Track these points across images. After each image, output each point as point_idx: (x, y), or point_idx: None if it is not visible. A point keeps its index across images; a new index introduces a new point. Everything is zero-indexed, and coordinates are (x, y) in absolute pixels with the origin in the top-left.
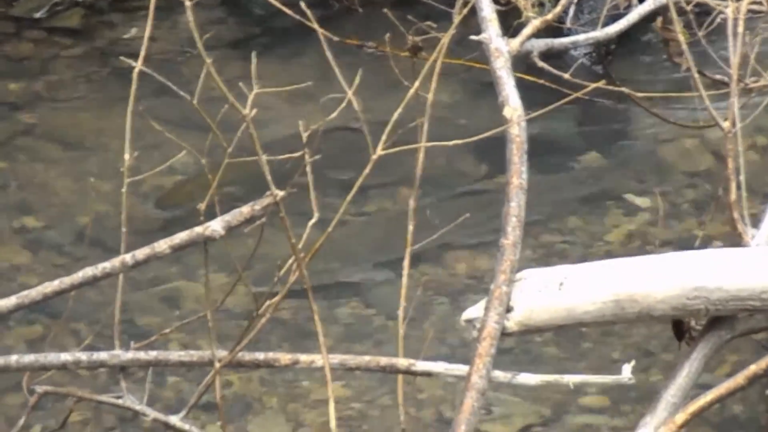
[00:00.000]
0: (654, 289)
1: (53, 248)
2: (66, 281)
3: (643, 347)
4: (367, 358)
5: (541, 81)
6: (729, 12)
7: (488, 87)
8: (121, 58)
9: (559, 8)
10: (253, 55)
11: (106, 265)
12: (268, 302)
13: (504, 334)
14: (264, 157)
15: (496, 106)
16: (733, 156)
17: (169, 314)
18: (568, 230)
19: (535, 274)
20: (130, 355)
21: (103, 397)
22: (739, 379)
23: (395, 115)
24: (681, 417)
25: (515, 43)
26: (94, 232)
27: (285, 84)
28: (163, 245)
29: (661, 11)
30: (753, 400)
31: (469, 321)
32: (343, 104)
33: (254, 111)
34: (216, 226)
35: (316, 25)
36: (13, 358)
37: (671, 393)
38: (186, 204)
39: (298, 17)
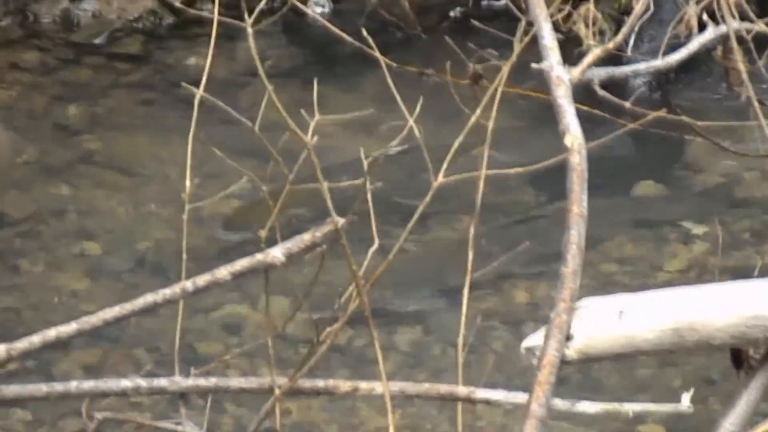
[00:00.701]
0: (713, 318)
1: (113, 274)
2: (126, 307)
3: (702, 376)
4: (426, 385)
5: (602, 113)
6: None
7: (549, 115)
8: (183, 84)
9: (620, 37)
10: (315, 81)
11: (167, 292)
12: (328, 329)
13: (564, 362)
14: (325, 184)
15: (556, 134)
16: None
17: (229, 341)
18: (627, 259)
19: (594, 303)
20: (189, 381)
21: (163, 424)
22: None
23: (456, 143)
24: None
25: (576, 71)
26: (155, 258)
27: (345, 111)
28: (223, 272)
29: (721, 40)
30: None
31: (529, 349)
32: (405, 132)
33: (315, 138)
34: (277, 253)
35: (376, 52)
36: (73, 384)
37: (730, 421)
38: (251, 228)
39: (358, 44)
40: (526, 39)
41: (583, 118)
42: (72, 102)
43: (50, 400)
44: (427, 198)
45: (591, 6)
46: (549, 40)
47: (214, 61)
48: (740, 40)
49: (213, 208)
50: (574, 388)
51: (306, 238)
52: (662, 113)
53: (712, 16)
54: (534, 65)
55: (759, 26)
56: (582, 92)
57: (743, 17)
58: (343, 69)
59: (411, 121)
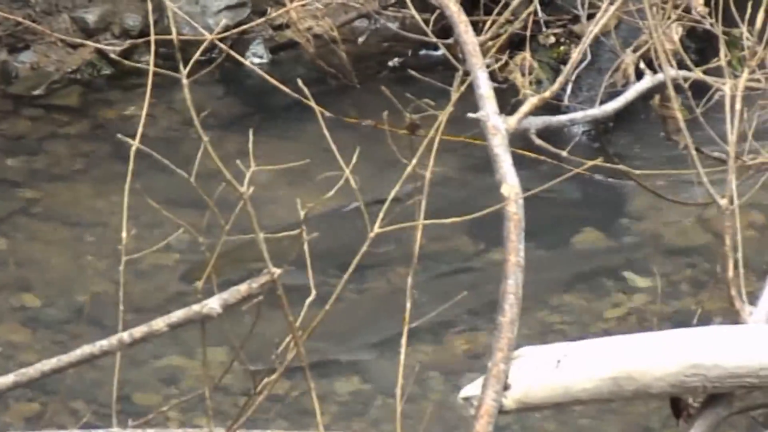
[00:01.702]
0: (652, 367)
1: (51, 326)
2: (64, 359)
3: (641, 424)
4: None
5: (541, 157)
6: (726, 89)
7: (486, 164)
8: (119, 136)
9: (556, 86)
10: (250, 132)
11: (104, 343)
12: (265, 380)
13: (501, 411)
14: (261, 235)
15: (493, 182)
16: (731, 233)
17: (167, 392)
18: (565, 308)
19: (532, 352)
20: None
21: None
22: None
23: (392, 193)
24: None
25: (513, 120)
26: (92, 309)
27: (283, 161)
28: (160, 323)
29: (658, 89)
30: None
31: (467, 399)
32: (341, 182)
33: (251, 189)
34: (213, 304)
35: (313, 103)
36: None
37: None
38: (191, 279)
39: (295, 95)
40: (462, 88)
41: (522, 167)
42: (10, 154)
43: None
44: (364, 247)
45: (527, 55)
46: (485, 89)
47: (152, 111)
48: (678, 88)
49: (151, 259)
50: None
51: (242, 288)
52: (600, 161)
53: (650, 65)
54: (470, 114)
55: (696, 74)
56: (521, 140)
57: (681, 65)
58: (281, 119)
59: (347, 171)
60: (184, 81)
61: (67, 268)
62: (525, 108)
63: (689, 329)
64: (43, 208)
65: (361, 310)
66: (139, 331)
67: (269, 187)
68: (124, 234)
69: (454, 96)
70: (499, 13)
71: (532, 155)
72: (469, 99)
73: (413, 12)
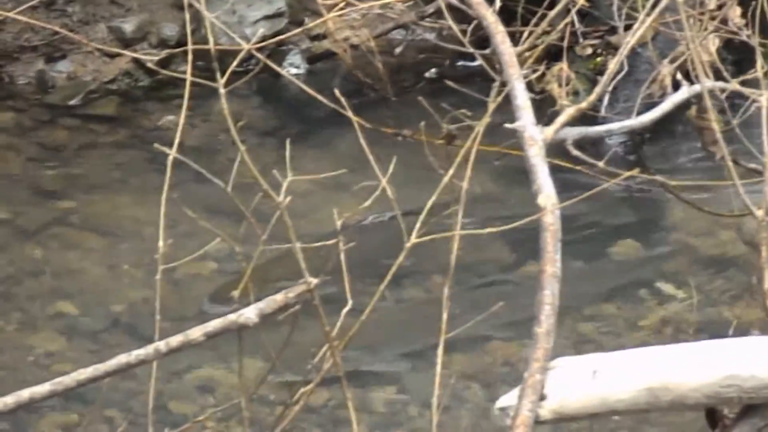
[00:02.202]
0: (687, 378)
1: (87, 335)
2: (100, 368)
3: None
4: None
5: (577, 167)
6: (763, 100)
7: (522, 174)
8: (156, 145)
9: (593, 96)
10: (288, 142)
11: (140, 353)
12: (302, 390)
13: (538, 422)
14: (298, 245)
15: (530, 193)
16: (767, 244)
17: (203, 402)
18: (601, 318)
19: (568, 363)
20: None
21: None
22: None
23: (429, 203)
24: None
25: (549, 131)
26: (129, 319)
27: (319, 172)
28: (197, 333)
29: (695, 100)
30: None
31: (503, 409)
32: (377, 192)
33: (288, 199)
34: (250, 314)
35: (350, 113)
36: None
37: None
38: (227, 291)
39: (332, 105)
40: (499, 98)
41: (559, 178)
42: (47, 163)
43: None
44: (401, 258)
45: (565, 66)
46: (522, 99)
47: (189, 121)
48: (714, 99)
49: (187, 269)
50: None
51: (279, 298)
52: (636, 173)
53: (687, 76)
54: (507, 125)
55: (733, 85)
56: (557, 151)
57: (717, 77)
58: (318, 130)
59: (384, 182)
60: (222, 91)
61: (103, 277)
62: (562, 118)
63: (725, 340)
64: (80, 218)
65: (397, 320)
66: (175, 340)
67: (306, 197)
68: (161, 243)
69: (491, 106)
70: (537, 24)
71: (569, 165)
72: (506, 110)
73: (450, 23)
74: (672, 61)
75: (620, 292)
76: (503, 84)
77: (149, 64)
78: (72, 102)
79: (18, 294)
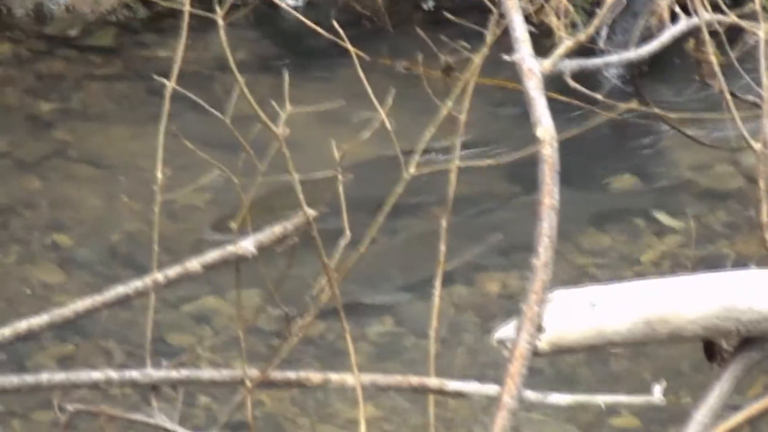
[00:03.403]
0: (685, 310)
1: (85, 266)
2: (98, 299)
3: (674, 368)
4: (398, 377)
5: (575, 102)
6: (761, 33)
7: (521, 107)
8: (154, 76)
9: (591, 29)
10: (285, 74)
11: (138, 284)
12: (299, 322)
13: (535, 354)
14: (296, 177)
15: (528, 126)
16: (765, 177)
17: (201, 333)
18: (599, 251)
19: (566, 295)
20: (161, 373)
21: (135, 416)
22: None
23: (427, 135)
24: None
25: (548, 63)
26: (126, 250)
27: (318, 103)
28: (194, 264)
29: (693, 32)
30: None
31: (501, 341)
32: (376, 124)
33: (287, 130)
34: (248, 245)
35: (348, 45)
36: (45, 376)
37: (702, 414)
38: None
39: (330, 37)
40: (498, 31)
41: (556, 111)
42: (45, 94)
43: (22, 392)
44: (399, 190)
45: None
46: (520, 32)
47: (187, 53)
48: (713, 32)
49: (185, 200)
50: (546, 380)
51: (277, 230)
52: (635, 105)
53: (684, 8)
54: (505, 57)
55: (731, 18)
56: (555, 84)
57: (716, 9)
58: (316, 61)
59: (383, 114)
60: (220, 22)
61: (100, 208)
62: (560, 50)
63: (723, 273)
64: (77, 149)
65: (395, 252)
66: (173, 271)
67: (304, 129)
68: (158, 174)
69: (489, 38)
70: None
71: (567, 100)
72: (504, 42)
73: None
74: None
75: (618, 224)
76: (501, 16)
77: None
78: (70, 33)
79: (15, 226)
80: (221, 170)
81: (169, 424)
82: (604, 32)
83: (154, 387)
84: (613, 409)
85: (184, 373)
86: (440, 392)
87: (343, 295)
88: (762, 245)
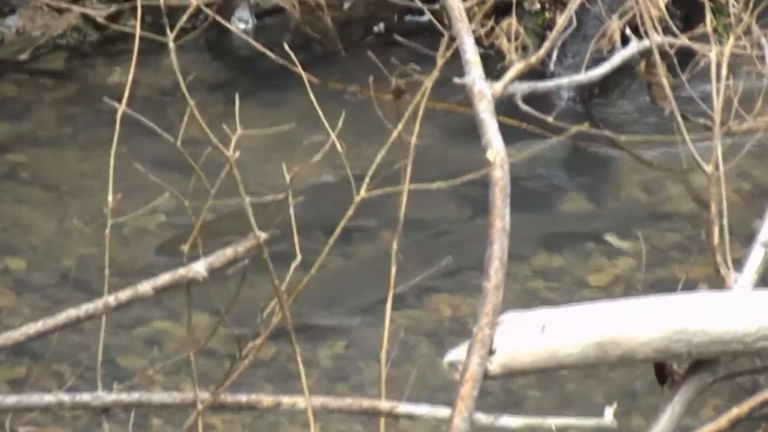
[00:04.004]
0: (637, 332)
1: (37, 290)
2: (49, 322)
3: (626, 390)
4: (349, 400)
5: (525, 124)
6: (712, 55)
7: (472, 130)
8: (105, 99)
9: (542, 51)
10: (237, 97)
11: (89, 307)
12: (250, 344)
13: (486, 376)
14: (247, 199)
15: (479, 148)
16: (717, 199)
17: (152, 355)
18: (551, 273)
19: (517, 317)
20: (112, 396)
21: None
22: (722, 422)
23: (378, 158)
24: None
25: (498, 86)
26: (78, 273)
27: (269, 127)
28: (146, 287)
29: (644, 55)
30: None
31: (452, 363)
32: (327, 147)
33: (238, 153)
34: (199, 268)
35: (299, 68)
36: None
37: None
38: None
39: (281, 61)
40: (448, 53)
41: (508, 133)
42: None
43: None
44: (349, 212)
45: (514, 21)
46: (471, 54)
47: (138, 76)
48: (664, 54)
49: (137, 223)
50: (496, 403)
51: (228, 252)
52: (585, 127)
53: (636, 31)
54: (456, 80)
55: (682, 40)
56: (506, 107)
57: (666, 32)
58: (267, 85)
59: (334, 136)
60: (171, 45)
61: (52, 232)
62: (511, 73)
63: (674, 295)
64: (29, 173)
65: (346, 275)
66: (124, 294)
67: (255, 152)
68: (110, 197)
69: (440, 61)
70: None
71: (518, 123)
72: (455, 65)
73: None
74: (621, 16)
75: (569, 247)
76: (452, 39)
77: (98, 19)
78: (21, 57)
79: None
80: (172, 193)
81: None
82: (554, 55)
83: (106, 410)
84: None
85: (135, 395)
86: (391, 414)
87: (294, 317)
88: (713, 267)
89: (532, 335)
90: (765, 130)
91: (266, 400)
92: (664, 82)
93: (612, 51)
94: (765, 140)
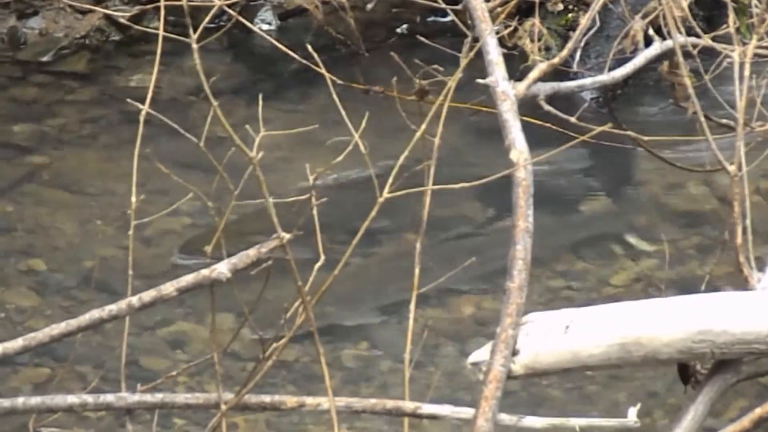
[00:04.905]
0: (659, 333)
1: (60, 291)
2: (72, 323)
3: (649, 390)
4: (373, 401)
5: (548, 125)
6: (735, 56)
7: (495, 130)
8: (128, 100)
9: (565, 52)
10: (260, 97)
11: (113, 308)
12: (274, 345)
13: (510, 377)
14: (270, 200)
15: (502, 149)
16: (739, 200)
17: (176, 357)
18: (573, 274)
19: (540, 318)
20: (136, 397)
21: None
22: (745, 422)
23: (401, 158)
24: None
25: (522, 86)
26: (101, 275)
27: (292, 127)
28: (169, 288)
29: (667, 55)
30: None
31: (476, 364)
32: (350, 147)
33: (261, 154)
34: (222, 269)
35: (323, 69)
36: (20, 400)
37: None
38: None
39: (304, 62)
40: (472, 54)
41: (531, 134)
42: (18, 119)
43: None
44: (373, 213)
45: (537, 21)
46: (494, 55)
47: (161, 77)
48: (686, 54)
49: (160, 225)
50: (520, 403)
51: (251, 253)
52: (608, 128)
53: (658, 31)
54: (480, 80)
55: (705, 41)
56: (529, 107)
57: (689, 32)
58: (290, 85)
59: (356, 137)
60: (194, 46)
61: (75, 233)
62: (534, 74)
63: (697, 295)
64: (52, 174)
65: (370, 275)
66: (148, 295)
67: (278, 152)
68: (133, 199)
69: (463, 62)
70: None
71: (540, 123)
72: (478, 65)
73: None
74: (644, 17)
75: (592, 246)
76: (475, 39)
77: (121, 20)
78: (44, 58)
79: None
80: (196, 194)
81: None
82: (577, 56)
83: (129, 411)
84: None
85: (159, 396)
86: (415, 415)
87: (317, 318)
88: (735, 267)
89: (555, 336)
90: None
91: (290, 400)
92: (687, 82)
93: (635, 51)
94: None
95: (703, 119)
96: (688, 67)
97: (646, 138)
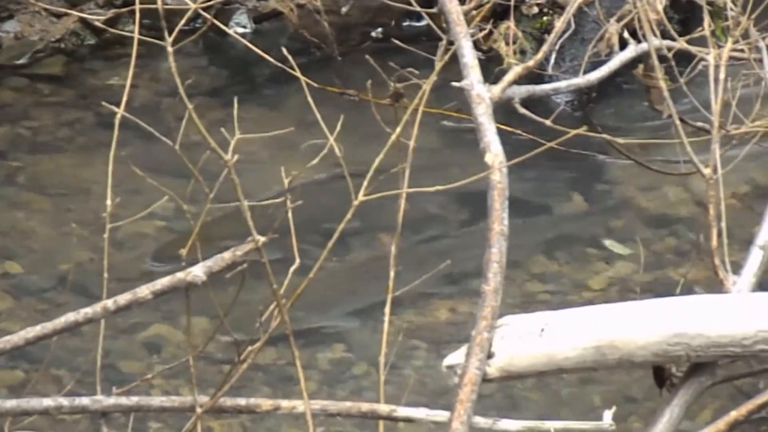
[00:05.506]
0: (635, 336)
1: (35, 294)
2: (48, 326)
3: (624, 393)
4: (348, 403)
5: (520, 132)
6: (710, 59)
7: (470, 133)
8: (104, 103)
9: (540, 55)
10: (235, 100)
11: (88, 311)
12: (249, 348)
13: (485, 380)
14: (245, 203)
15: (477, 152)
16: (715, 203)
17: (151, 360)
18: (549, 277)
19: (516, 321)
20: (111, 400)
21: None
22: (720, 425)
23: (376, 162)
24: None
25: (496, 89)
26: (76, 278)
27: (267, 131)
28: (144, 291)
29: (642, 58)
30: None
31: (450, 367)
32: (325, 150)
33: (236, 157)
34: (198, 272)
35: (298, 72)
36: None
37: None
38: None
39: (280, 65)
40: (446, 57)
41: (505, 137)
42: None
43: None
44: (348, 216)
45: (511, 24)
46: (469, 58)
47: (136, 80)
48: (662, 58)
49: (135, 228)
50: (495, 406)
51: (226, 256)
52: (583, 131)
53: (634, 34)
54: (454, 83)
55: (680, 44)
56: (504, 111)
57: (664, 35)
58: (265, 89)
59: (332, 140)
60: (169, 49)
61: (50, 236)
62: (509, 77)
63: (672, 298)
64: (27, 177)
65: (345, 278)
66: (123, 298)
67: (253, 156)
68: (108, 202)
69: (438, 65)
70: None
71: (515, 130)
72: (454, 69)
73: None
74: (619, 20)
75: (567, 250)
76: (450, 43)
77: (96, 24)
78: (19, 62)
79: None
80: (171, 197)
81: None
82: (552, 59)
83: (105, 414)
84: None
85: (134, 399)
86: (390, 418)
87: (292, 321)
88: (711, 270)
89: (530, 339)
90: (763, 134)
91: (265, 403)
92: (662, 85)
93: (610, 54)
94: (763, 143)
95: (678, 122)
96: (663, 70)
97: (621, 141)
